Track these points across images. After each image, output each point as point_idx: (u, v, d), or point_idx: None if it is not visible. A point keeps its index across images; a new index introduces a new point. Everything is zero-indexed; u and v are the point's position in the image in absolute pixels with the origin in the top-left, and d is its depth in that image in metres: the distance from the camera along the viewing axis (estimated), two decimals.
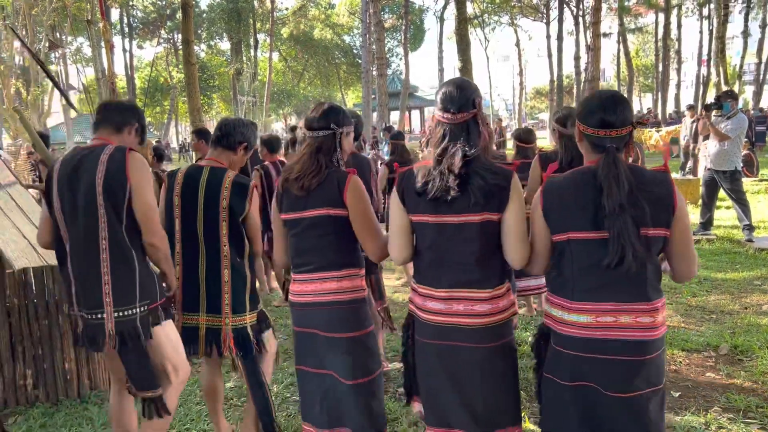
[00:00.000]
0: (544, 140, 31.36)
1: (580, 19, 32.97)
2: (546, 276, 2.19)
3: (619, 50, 37.74)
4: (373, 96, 23.95)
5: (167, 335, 2.67)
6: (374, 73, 22.62)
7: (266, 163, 5.67)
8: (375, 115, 24.13)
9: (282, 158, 5.93)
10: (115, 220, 2.49)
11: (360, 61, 32.64)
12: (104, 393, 3.92)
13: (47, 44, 23.13)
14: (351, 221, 2.38)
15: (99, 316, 2.50)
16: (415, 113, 42.57)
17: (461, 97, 2.09)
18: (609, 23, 37.51)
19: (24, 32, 25.56)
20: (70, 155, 2.61)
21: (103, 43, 13.83)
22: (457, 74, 12.62)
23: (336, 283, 2.41)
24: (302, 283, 2.46)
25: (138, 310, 2.54)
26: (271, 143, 5.81)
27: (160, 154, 6.90)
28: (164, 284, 2.75)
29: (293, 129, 6.65)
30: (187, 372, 2.76)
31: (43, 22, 25.78)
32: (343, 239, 2.42)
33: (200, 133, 6.58)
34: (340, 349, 2.41)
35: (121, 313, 2.51)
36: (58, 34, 30.11)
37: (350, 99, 48.61)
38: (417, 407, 2.41)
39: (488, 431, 2.16)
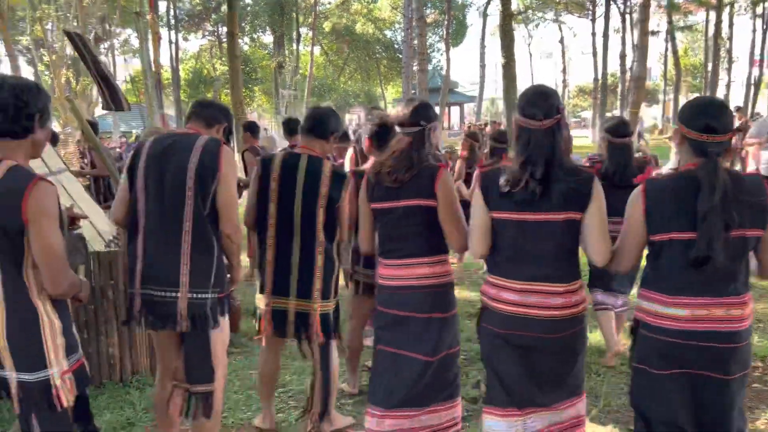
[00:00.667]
0: (586, 139, 30.85)
1: (627, 17, 32.23)
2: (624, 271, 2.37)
3: (666, 49, 36.80)
4: (413, 91, 23.86)
5: (224, 331, 2.73)
6: (415, 68, 22.54)
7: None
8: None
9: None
10: (200, 205, 2.57)
11: (401, 56, 32.55)
12: (145, 378, 4.01)
13: (94, 37, 23.66)
14: (438, 212, 2.54)
15: (173, 294, 2.55)
16: (455, 109, 42.34)
17: (547, 105, 2.25)
18: (657, 21, 36.54)
19: (75, 23, 26.25)
20: (162, 137, 2.69)
21: (150, 35, 14.12)
22: (500, 71, 12.47)
23: (429, 268, 2.59)
24: (393, 268, 2.63)
25: (209, 295, 2.60)
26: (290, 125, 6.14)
27: (253, 129, 6.76)
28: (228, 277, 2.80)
29: None
30: (226, 373, 2.86)
31: (94, 13, 26.41)
32: (434, 228, 2.58)
33: (248, 126, 6.72)
34: (430, 329, 2.59)
35: (195, 295, 2.57)
36: (107, 26, 30.83)
37: (390, 94, 48.56)
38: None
39: (552, 408, 2.37)
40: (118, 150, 19.05)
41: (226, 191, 2.60)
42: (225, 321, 2.74)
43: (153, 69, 13.70)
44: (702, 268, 2.03)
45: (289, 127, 6.18)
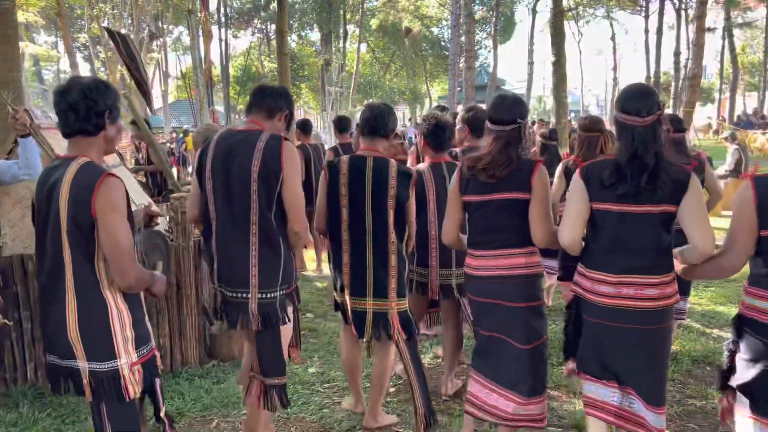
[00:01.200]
0: None
1: (682, 13, 31.26)
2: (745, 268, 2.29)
3: (723, 46, 35.53)
4: (458, 89, 23.70)
5: (289, 323, 2.82)
6: (461, 65, 22.39)
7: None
8: (460, 108, 23.90)
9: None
10: (266, 206, 2.61)
11: (447, 53, 32.36)
12: (194, 369, 4.10)
13: (148, 34, 24.25)
14: (530, 204, 2.63)
15: (243, 295, 2.65)
16: None
17: (649, 102, 2.36)
18: (713, 17, 35.33)
19: (129, 21, 27.00)
20: (224, 135, 2.73)
21: (201, 33, 14.39)
22: (548, 68, 12.28)
23: (523, 259, 2.69)
24: (485, 258, 2.73)
25: (278, 293, 2.69)
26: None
27: (305, 127, 6.84)
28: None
29: None
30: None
31: (148, 11, 27.11)
32: (527, 220, 2.66)
33: (301, 124, 6.86)
34: (520, 317, 2.70)
35: (264, 295, 2.65)
36: (160, 23, 31.59)
37: (435, 91, 48.34)
38: (570, 366, 2.77)
39: (639, 397, 2.47)
40: (168, 145, 19.56)
41: (290, 190, 2.63)
42: (292, 313, 2.82)
43: (204, 66, 13.96)
44: None
45: (340, 125, 6.38)
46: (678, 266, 2.52)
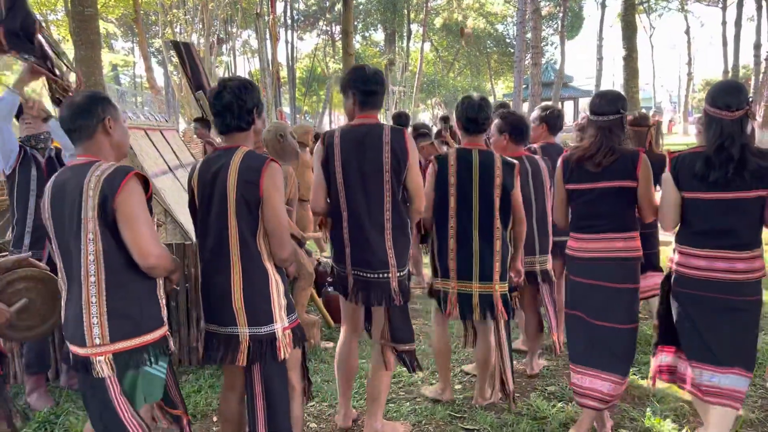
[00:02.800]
0: None
1: (764, 3, 29.65)
2: None
3: None
4: (524, 86, 23.32)
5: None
6: (527, 62, 22.02)
7: None
8: (526, 105, 23.45)
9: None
10: (397, 191, 2.89)
11: (512, 51, 31.90)
12: (184, 367, 4.14)
13: (216, 40, 25.00)
14: (639, 190, 2.86)
15: (384, 275, 2.90)
16: (569, 104, 40.87)
17: (739, 98, 2.58)
18: None
19: (201, 26, 27.91)
20: (348, 129, 2.95)
21: (268, 35, 14.74)
22: (617, 64, 11.91)
23: (623, 243, 2.89)
24: (589, 241, 2.95)
25: (407, 270, 3.00)
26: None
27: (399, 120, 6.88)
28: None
29: (445, 119, 6.72)
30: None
31: (217, 15, 27.94)
32: (630, 207, 2.91)
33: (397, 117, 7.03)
34: (623, 298, 2.91)
35: (401, 273, 2.94)
36: (229, 27, 32.53)
37: (500, 89, 47.76)
38: (660, 359, 2.95)
39: (724, 368, 2.67)
40: None
41: (414, 177, 2.90)
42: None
43: (272, 68, 14.29)
44: None
45: (399, 121, 6.48)
46: None
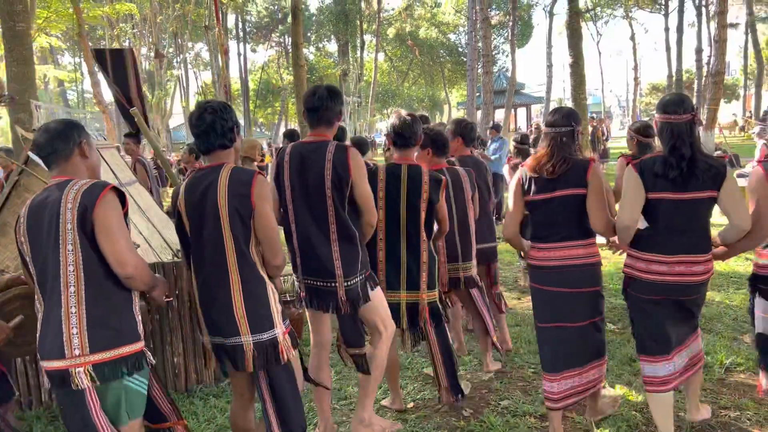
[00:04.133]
0: None
1: (703, 9, 30.77)
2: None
3: (746, 42, 34.83)
4: (477, 94, 23.57)
5: (380, 298, 3.17)
6: (479, 70, 22.27)
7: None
8: (479, 113, 23.69)
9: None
10: (340, 206, 2.95)
11: (465, 60, 32.22)
12: (209, 388, 4.03)
13: (155, 53, 24.57)
14: (587, 198, 2.97)
15: (332, 284, 2.99)
16: (522, 111, 41.54)
17: (685, 103, 2.84)
18: (736, 13, 34.68)
19: (150, 39, 27.42)
20: (298, 146, 3.04)
21: (225, 49, 14.49)
22: (568, 70, 12.10)
23: (583, 249, 3.02)
24: (549, 250, 3.04)
25: (359, 278, 3.04)
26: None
27: (292, 137, 6.78)
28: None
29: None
30: (393, 329, 3.24)
31: (166, 29, 27.49)
32: (585, 213, 3.00)
33: (288, 134, 6.98)
34: (586, 300, 3.07)
35: (348, 282, 2.99)
36: (179, 41, 32.03)
37: (454, 97, 48.24)
38: (644, 367, 3.04)
39: (683, 346, 3.00)
40: (183, 164, 19.67)
41: (361, 190, 2.97)
42: (375, 293, 3.15)
43: (221, 80, 14.07)
44: None
45: (291, 138, 6.51)
46: (718, 250, 2.98)
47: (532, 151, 6.16)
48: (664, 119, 2.86)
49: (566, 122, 3.06)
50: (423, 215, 3.31)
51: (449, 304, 4.20)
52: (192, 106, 10.29)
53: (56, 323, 2.16)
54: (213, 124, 2.51)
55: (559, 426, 3.13)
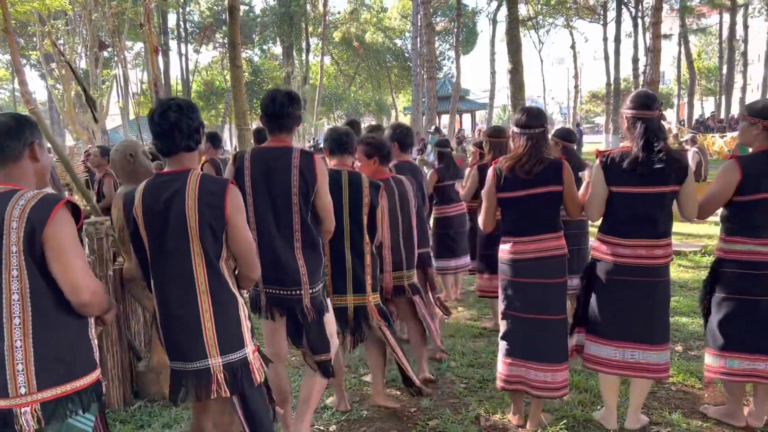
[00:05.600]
0: (599, 144, 30.42)
1: (639, 21, 31.76)
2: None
3: (680, 52, 36.19)
4: (423, 99, 23.59)
5: (330, 309, 3.18)
6: (424, 76, 22.28)
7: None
8: (424, 118, 23.72)
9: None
10: (305, 213, 2.91)
11: (411, 65, 32.28)
12: (117, 413, 3.72)
13: (99, 44, 23.64)
14: (564, 193, 3.19)
15: (297, 292, 2.92)
16: (467, 116, 41.96)
17: (657, 101, 3.04)
18: (670, 24, 35.95)
19: (86, 36, 26.31)
20: (259, 151, 2.99)
21: (154, 48, 13.94)
22: (507, 77, 12.16)
23: (555, 242, 3.21)
24: (524, 244, 3.22)
25: (321, 285, 3.02)
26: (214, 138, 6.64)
27: (214, 140, 6.81)
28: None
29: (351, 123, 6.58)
30: (337, 343, 3.27)
31: (102, 27, 26.47)
32: (557, 209, 3.24)
33: (209, 137, 6.75)
34: (556, 292, 3.23)
35: (313, 290, 2.96)
36: (117, 40, 30.89)
37: (401, 102, 48.33)
38: (576, 339, 3.35)
39: (647, 345, 3.12)
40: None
41: (323, 198, 2.97)
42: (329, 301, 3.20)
43: (149, 79, 13.56)
44: None
45: (259, 137, 6.52)
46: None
47: (454, 153, 6.76)
48: (636, 114, 3.02)
49: (539, 123, 3.23)
50: (365, 220, 3.36)
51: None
52: (131, 107, 9.87)
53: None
54: (178, 123, 2.32)
55: (519, 405, 3.38)
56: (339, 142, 3.42)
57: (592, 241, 3.37)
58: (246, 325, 2.43)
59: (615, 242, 3.11)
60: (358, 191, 3.33)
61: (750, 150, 3.23)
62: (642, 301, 3.08)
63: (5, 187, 1.95)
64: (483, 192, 3.37)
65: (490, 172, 3.29)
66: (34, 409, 1.87)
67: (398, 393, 3.92)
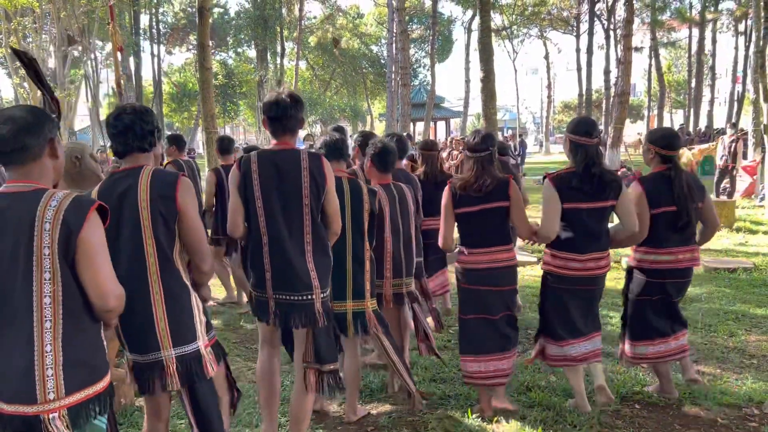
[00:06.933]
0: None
1: (611, 33, 32.23)
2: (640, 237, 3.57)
3: (650, 65, 36.78)
4: (398, 106, 23.52)
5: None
6: (399, 83, 22.22)
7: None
8: (398, 125, 23.66)
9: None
10: (316, 215, 2.92)
11: (386, 71, 32.25)
12: None
13: (68, 38, 23.15)
14: (510, 209, 3.44)
15: (308, 297, 2.89)
16: (441, 124, 42.10)
17: (597, 129, 3.46)
18: (641, 38, 36.56)
19: (55, 33, 25.74)
20: (265, 155, 2.94)
21: (118, 47, 13.61)
22: (480, 86, 12.12)
23: (506, 254, 3.48)
24: (480, 254, 3.47)
25: (329, 291, 3.02)
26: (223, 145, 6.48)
27: (179, 143, 6.68)
28: None
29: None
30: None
31: (71, 25, 25.93)
32: (506, 223, 3.50)
33: (173, 139, 6.68)
34: (510, 296, 3.57)
35: (323, 294, 2.94)
36: (87, 39, 30.31)
37: (376, 109, 48.31)
38: (537, 347, 3.71)
39: (596, 334, 3.61)
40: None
41: (333, 200, 2.99)
42: None
43: (115, 79, 13.22)
44: (677, 229, 3.54)
45: (222, 147, 6.42)
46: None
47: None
48: (577, 140, 3.38)
49: (485, 146, 3.47)
50: (366, 226, 3.42)
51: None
52: (103, 108, 9.59)
53: (23, 362, 1.84)
54: (132, 125, 2.41)
55: (488, 398, 3.55)
56: (334, 149, 3.45)
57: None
58: (200, 318, 2.44)
59: (567, 257, 3.44)
60: (359, 198, 3.38)
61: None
62: (588, 303, 3.55)
63: (28, 185, 1.91)
64: (441, 208, 3.55)
65: (446, 190, 3.52)
66: (62, 415, 1.86)
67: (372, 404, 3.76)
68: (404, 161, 5.09)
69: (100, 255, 1.92)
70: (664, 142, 3.58)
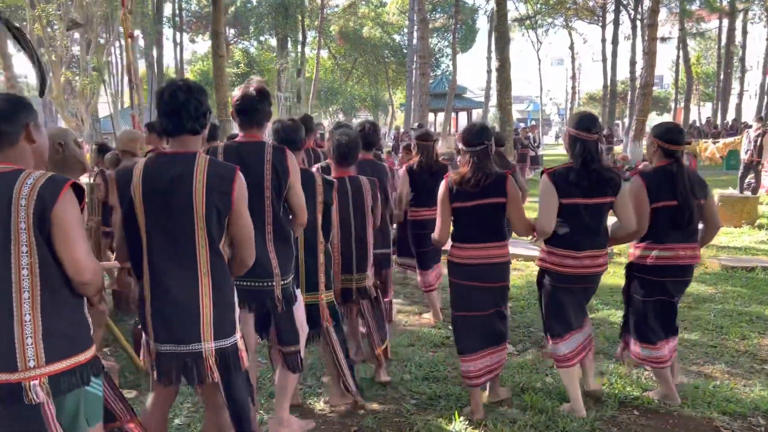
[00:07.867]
0: None
1: (638, 23, 31.51)
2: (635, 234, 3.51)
3: (678, 56, 35.97)
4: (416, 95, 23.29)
5: (300, 299, 3.21)
6: (417, 72, 22.00)
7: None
8: (416, 115, 23.42)
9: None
10: (278, 207, 2.94)
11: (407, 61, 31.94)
12: None
13: (70, 23, 23.29)
14: (508, 205, 3.37)
15: (269, 284, 2.92)
16: (463, 115, 41.70)
17: (597, 124, 3.39)
18: (669, 28, 35.74)
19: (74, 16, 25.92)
20: (230, 146, 3.03)
21: (129, 34, 13.60)
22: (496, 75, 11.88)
23: (500, 250, 3.44)
24: (473, 250, 3.41)
25: (291, 278, 3.04)
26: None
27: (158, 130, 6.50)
28: None
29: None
30: (307, 330, 3.30)
31: (95, 13, 26.11)
32: (502, 219, 3.44)
33: (151, 126, 6.50)
34: (496, 294, 3.48)
35: (284, 281, 2.97)
36: (110, 26, 30.53)
37: (398, 99, 48.02)
38: (549, 345, 3.56)
39: (585, 325, 3.58)
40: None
41: (297, 193, 3.01)
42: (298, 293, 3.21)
43: (126, 65, 13.27)
44: (679, 226, 3.45)
45: (211, 135, 6.13)
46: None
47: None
48: (577, 135, 3.32)
49: (479, 141, 3.36)
50: (320, 218, 3.37)
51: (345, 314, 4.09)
52: (134, 95, 9.69)
53: (4, 331, 1.92)
54: (186, 104, 2.34)
55: (479, 400, 3.47)
56: (286, 140, 3.32)
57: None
58: (237, 312, 2.47)
59: (563, 254, 3.38)
60: (311, 188, 3.31)
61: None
62: (582, 301, 3.55)
63: (6, 167, 1.98)
64: (437, 203, 3.49)
65: (443, 184, 3.45)
66: (43, 382, 1.93)
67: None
68: (381, 152, 5.14)
69: (75, 230, 1.97)
70: (668, 136, 3.49)
